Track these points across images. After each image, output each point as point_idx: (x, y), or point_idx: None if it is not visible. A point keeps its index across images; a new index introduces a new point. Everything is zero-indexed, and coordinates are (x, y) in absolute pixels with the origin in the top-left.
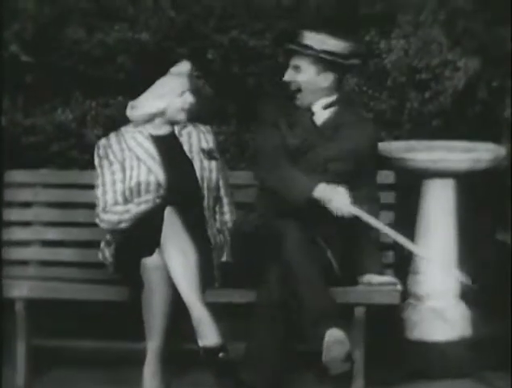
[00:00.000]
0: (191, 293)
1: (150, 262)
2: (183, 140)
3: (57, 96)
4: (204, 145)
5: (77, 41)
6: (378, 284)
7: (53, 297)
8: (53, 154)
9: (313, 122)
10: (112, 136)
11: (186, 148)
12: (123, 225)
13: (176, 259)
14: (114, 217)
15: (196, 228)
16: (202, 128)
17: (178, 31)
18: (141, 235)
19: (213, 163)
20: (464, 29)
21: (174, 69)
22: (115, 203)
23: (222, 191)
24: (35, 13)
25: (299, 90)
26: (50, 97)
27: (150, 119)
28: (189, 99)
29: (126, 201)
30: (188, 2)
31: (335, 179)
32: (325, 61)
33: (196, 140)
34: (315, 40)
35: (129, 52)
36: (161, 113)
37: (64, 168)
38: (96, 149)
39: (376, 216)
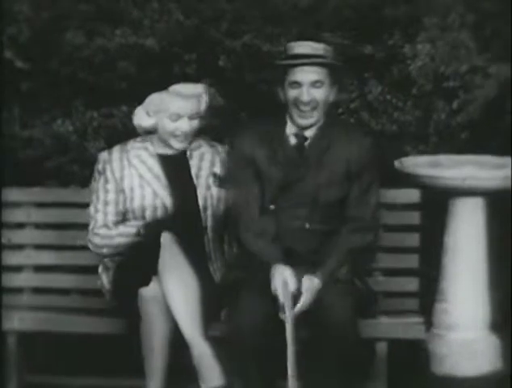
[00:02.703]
0: (192, 328)
1: (147, 292)
2: (193, 162)
3: (56, 106)
4: (217, 171)
5: (77, 47)
6: None
7: (46, 330)
8: (52, 170)
9: (299, 149)
10: (116, 150)
11: (193, 171)
12: (105, 251)
13: (175, 289)
14: (97, 240)
15: (199, 259)
16: (220, 149)
17: (187, 35)
18: (137, 262)
19: (223, 192)
20: (494, 32)
21: (174, 88)
22: (105, 225)
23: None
24: (32, 16)
25: (314, 108)
26: (48, 107)
27: (146, 132)
28: (183, 126)
29: (117, 223)
30: (198, 4)
31: (326, 209)
32: (336, 70)
33: (208, 163)
34: (320, 47)
35: (133, 58)
36: (153, 130)
37: (63, 185)
38: (96, 162)
39: (373, 249)
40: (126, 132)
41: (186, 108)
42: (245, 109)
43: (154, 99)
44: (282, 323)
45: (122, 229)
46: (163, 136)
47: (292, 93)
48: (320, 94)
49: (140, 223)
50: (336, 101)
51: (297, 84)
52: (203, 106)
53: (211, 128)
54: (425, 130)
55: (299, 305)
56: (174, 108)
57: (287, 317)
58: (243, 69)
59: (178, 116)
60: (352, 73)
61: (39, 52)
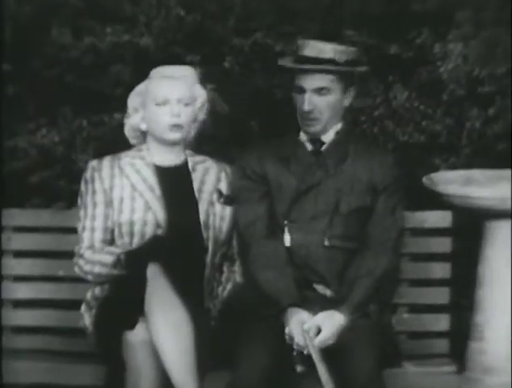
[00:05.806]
0: (185, 378)
1: (133, 336)
2: (196, 176)
3: (41, 113)
4: (222, 187)
5: (64, 46)
6: None
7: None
8: (36, 185)
9: (315, 153)
10: (107, 158)
11: (195, 186)
12: (90, 278)
13: (165, 333)
14: (82, 263)
15: (194, 291)
16: (226, 167)
17: (188, 33)
18: (120, 300)
19: (227, 211)
20: None
21: (157, 71)
22: (91, 245)
23: (236, 249)
24: (14, 12)
25: (316, 118)
26: (33, 114)
27: (139, 136)
28: (173, 110)
29: (105, 242)
30: None
31: (347, 222)
32: (349, 74)
33: (213, 179)
34: (331, 50)
35: (127, 59)
36: (144, 126)
37: (48, 202)
38: (85, 170)
39: (396, 280)
40: (119, 143)
41: (173, 90)
42: (254, 118)
43: (138, 89)
44: (289, 377)
45: (101, 256)
46: (155, 131)
47: (297, 99)
48: (324, 102)
49: (118, 251)
50: (358, 107)
51: (300, 89)
52: (193, 91)
53: (214, 138)
54: (458, 141)
55: (317, 341)
56: (161, 91)
57: (317, 361)
58: (252, 71)
59: (166, 100)
60: (375, 75)
61: (23, 52)
